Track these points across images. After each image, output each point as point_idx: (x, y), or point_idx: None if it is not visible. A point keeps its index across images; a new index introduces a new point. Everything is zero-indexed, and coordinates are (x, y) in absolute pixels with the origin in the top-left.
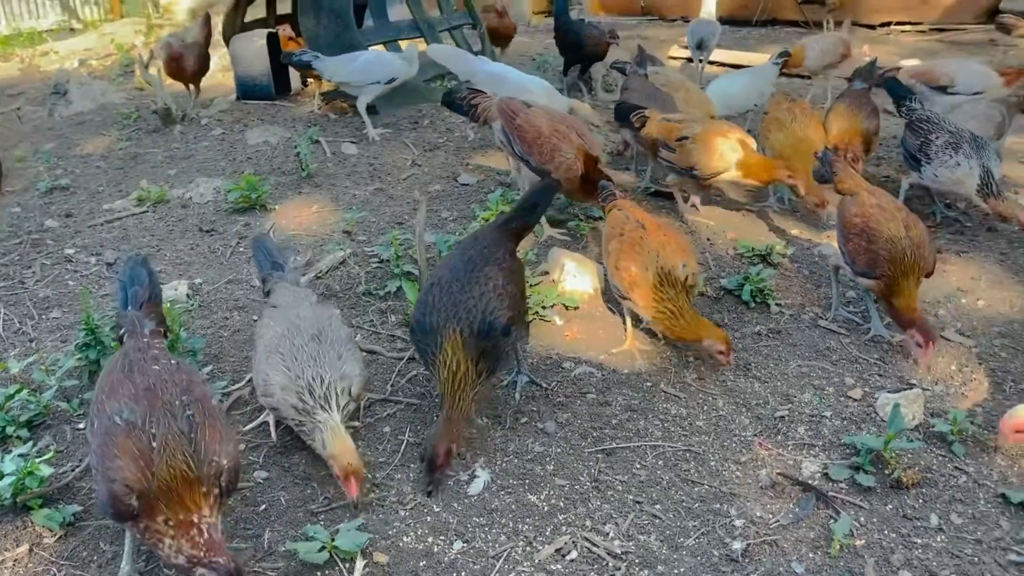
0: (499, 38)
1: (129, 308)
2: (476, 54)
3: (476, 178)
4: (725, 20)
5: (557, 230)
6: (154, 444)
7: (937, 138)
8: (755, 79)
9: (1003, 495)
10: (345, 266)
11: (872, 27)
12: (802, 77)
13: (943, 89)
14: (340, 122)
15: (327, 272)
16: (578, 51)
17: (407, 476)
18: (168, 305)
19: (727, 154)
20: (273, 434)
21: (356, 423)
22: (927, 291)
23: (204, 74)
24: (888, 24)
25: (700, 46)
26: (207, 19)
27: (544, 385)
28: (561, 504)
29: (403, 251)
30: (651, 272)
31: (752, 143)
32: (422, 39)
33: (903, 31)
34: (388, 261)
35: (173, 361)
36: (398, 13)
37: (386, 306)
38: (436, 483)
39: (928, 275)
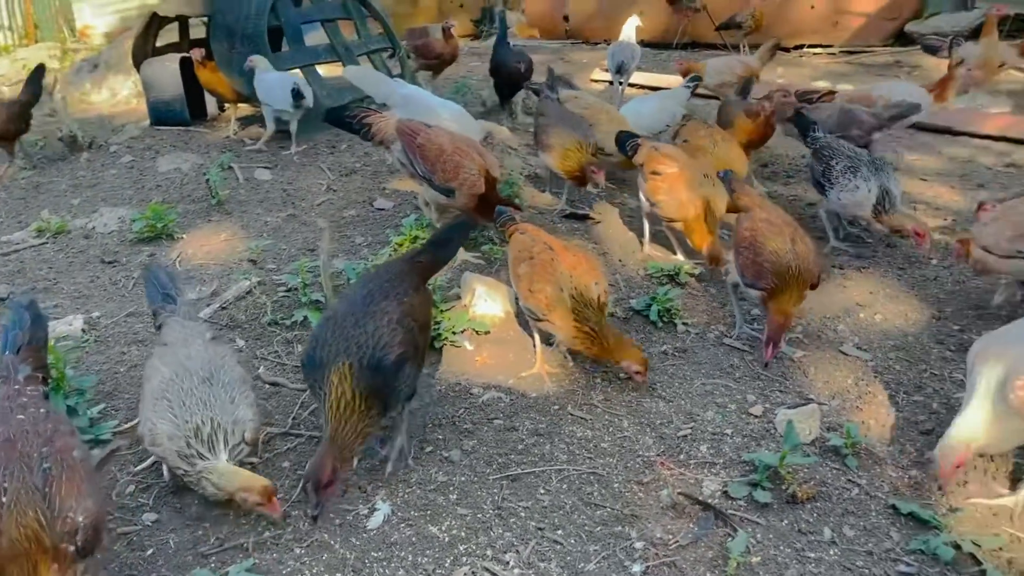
0: (444, 63)
1: (6, 352)
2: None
3: (392, 202)
4: (646, 43)
5: (472, 254)
6: (3, 499)
7: (837, 163)
8: (667, 101)
9: (893, 506)
10: (251, 295)
11: (787, 50)
12: (715, 98)
13: None
14: (255, 147)
15: (233, 302)
16: (514, 84)
17: (304, 512)
18: (54, 343)
19: (687, 208)
20: (166, 473)
21: (254, 459)
22: (828, 306)
23: (19, 135)
24: (801, 47)
25: (620, 69)
26: (37, 73)
27: (411, 463)
28: (463, 534)
29: (311, 279)
30: (566, 293)
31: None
32: (339, 63)
33: (815, 54)
34: (296, 290)
35: (43, 410)
36: (316, 38)
37: (292, 336)
38: (321, 507)
39: (813, 287)
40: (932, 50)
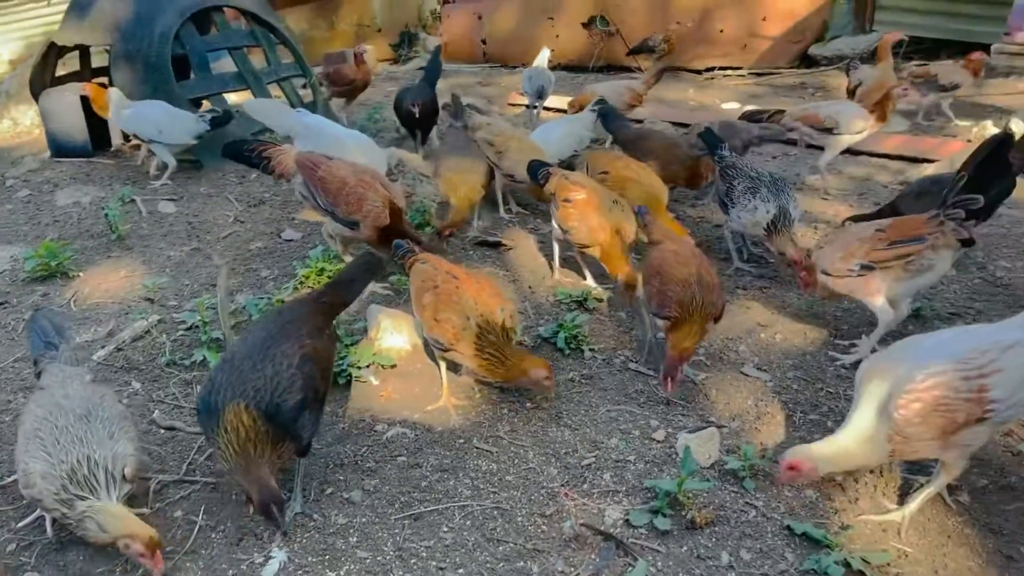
0: (356, 89)
1: None
2: (299, 107)
3: (301, 233)
4: (563, 67)
5: (380, 284)
6: None
7: (739, 183)
8: (573, 126)
9: (789, 527)
10: (150, 335)
11: (699, 72)
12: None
13: (829, 131)
14: (159, 178)
15: (129, 343)
16: (410, 123)
17: (197, 564)
18: None
19: (597, 233)
20: (49, 530)
21: (145, 510)
22: (731, 327)
23: None
24: (712, 69)
25: (540, 94)
26: None
27: (308, 508)
28: None
29: (211, 317)
30: (472, 321)
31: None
32: (248, 91)
33: (726, 76)
34: (196, 328)
35: None
36: (225, 65)
37: (191, 377)
38: (279, 521)
39: (716, 320)
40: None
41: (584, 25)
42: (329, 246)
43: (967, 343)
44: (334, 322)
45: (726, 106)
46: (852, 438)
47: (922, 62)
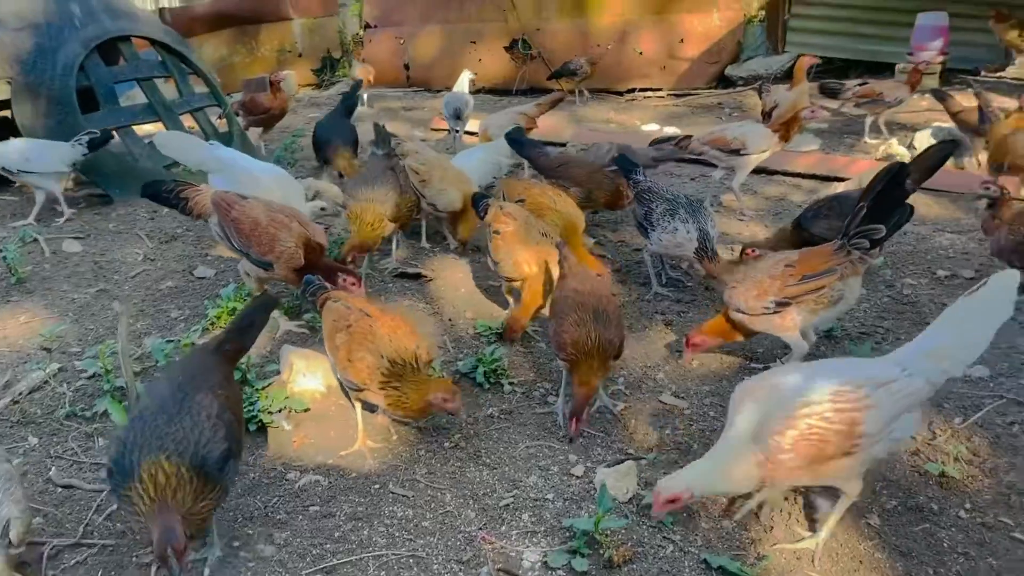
0: (273, 118)
1: None
2: (212, 139)
3: (215, 270)
4: (487, 90)
5: (294, 323)
6: None
7: (658, 207)
8: (490, 153)
9: (705, 560)
10: (48, 385)
11: (620, 94)
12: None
13: (736, 152)
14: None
15: (26, 394)
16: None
17: None
18: None
19: (520, 266)
20: None
21: None
22: (650, 355)
23: None
24: (633, 91)
25: (457, 116)
26: None
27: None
28: None
29: (114, 364)
30: (386, 360)
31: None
32: (159, 123)
33: (646, 97)
34: (98, 376)
35: None
36: (133, 96)
37: (92, 429)
38: (173, 568)
39: (615, 357)
40: (833, 93)
41: (506, 48)
42: (245, 283)
43: (845, 375)
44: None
45: (646, 127)
46: (723, 461)
47: (837, 81)
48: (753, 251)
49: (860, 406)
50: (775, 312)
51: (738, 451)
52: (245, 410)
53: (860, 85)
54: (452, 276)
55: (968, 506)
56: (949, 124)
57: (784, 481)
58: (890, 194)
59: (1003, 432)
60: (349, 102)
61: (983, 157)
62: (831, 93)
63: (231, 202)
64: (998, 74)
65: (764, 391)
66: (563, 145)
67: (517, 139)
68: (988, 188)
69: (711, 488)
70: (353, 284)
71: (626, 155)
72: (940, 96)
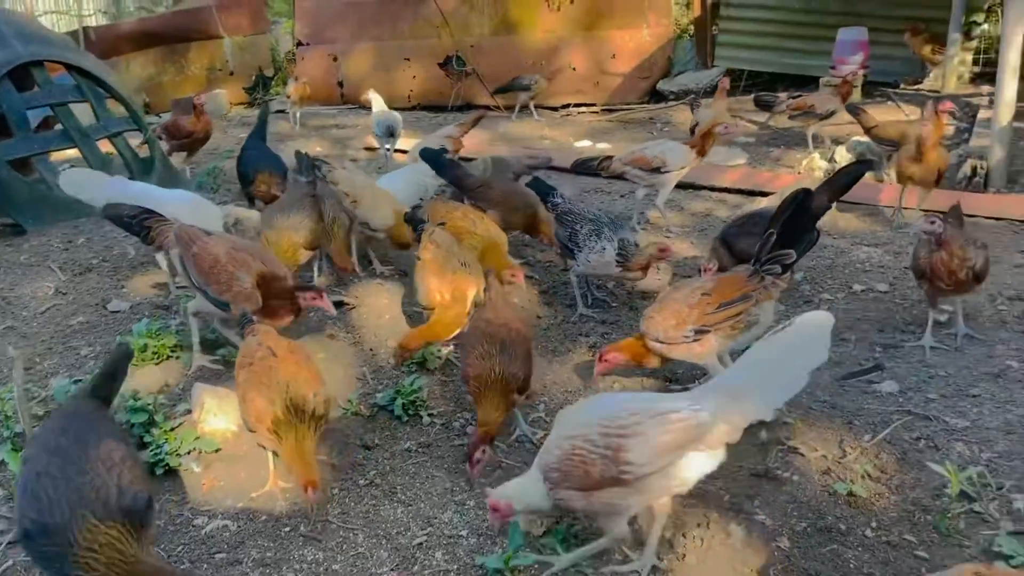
0: (197, 141)
1: None
2: (132, 163)
3: (129, 303)
4: (423, 106)
5: (208, 357)
6: None
7: (582, 227)
8: (414, 175)
9: None
10: None
11: (555, 109)
12: None
13: (657, 170)
14: None
15: None
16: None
17: None
18: None
19: (431, 295)
20: None
21: None
22: (572, 380)
23: None
24: (568, 106)
25: (391, 134)
26: None
27: None
28: None
29: (13, 411)
30: (278, 405)
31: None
32: (75, 149)
33: (580, 112)
34: None
35: None
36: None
37: None
38: None
39: (521, 392)
40: (767, 106)
41: (440, 65)
42: (187, 323)
43: (628, 404)
44: None
45: (579, 143)
46: (528, 481)
47: (771, 94)
48: (710, 267)
49: (627, 433)
50: (694, 340)
51: (536, 474)
52: (152, 454)
53: (792, 98)
54: (376, 302)
55: (874, 524)
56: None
57: (565, 504)
58: (798, 219)
59: (910, 448)
60: (260, 124)
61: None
62: (765, 106)
63: (193, 237)
64: (916, 87)
65: (562, 417)
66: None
67: (435, 160)
68: (933, 224)
69: (525, 504)
70: (314, 298)
71: (540, 179)
72: (854, 111)
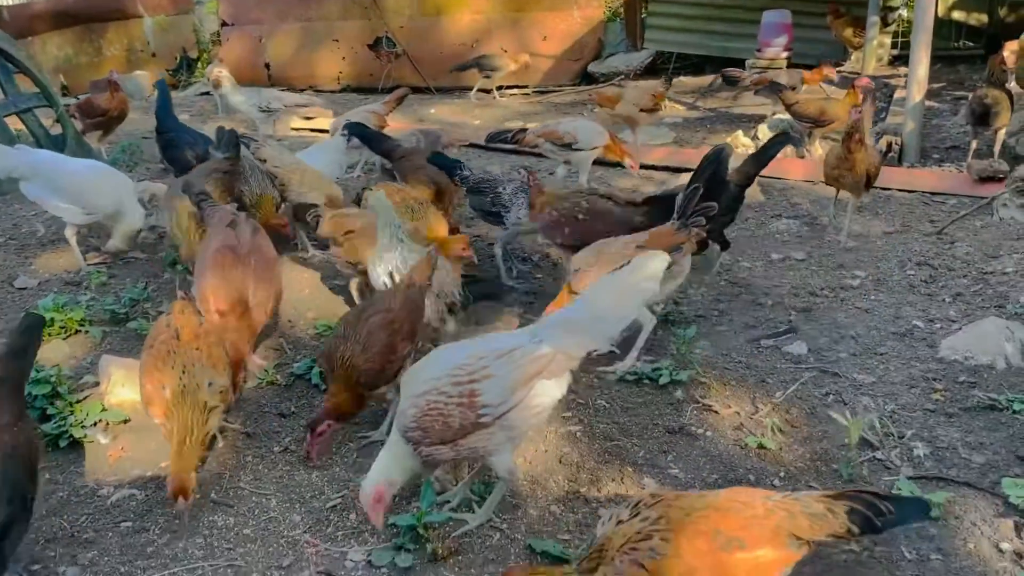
0: (112, 120)
1: None
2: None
3: (37, 280)
4: (353, 88)
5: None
6: None
7: (503, 188)
8: (323, 154)
9: (530, 546)
10: None
11: (487, 92)
12: None
13: (568, 146)
14: None
15: None
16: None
17: None
18: None
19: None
20: None
21: None
22: None
23: None
24: (501, 88)
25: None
26: None
27: None
28: None
29: None
30: (169, 389)
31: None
32: None
33: (512, 95)
34: None
35: None
36: None
37: None
38: None
39: (369, 387)
40: (732, 81)
41: (370, 47)
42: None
43: (470, 350)
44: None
45: (510, 124)
46: (389, 451)
47: (736, 70)
48: None
49: (477, 377)
50: None
51: (396, 438)
52: (55, 426)
53: (758, 74)
54: (298, 277)
55: (782, 474)
56: (787, 116)
57: (434, 459)
58: (718, 174)
59: (819, 403)
60: (162, 103)
61: (818, 146)
62: (731, 82)
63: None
64: (837, 68)
65: (411, 374)
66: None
67: (364, 134)
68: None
69: (401, 476)
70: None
71: (442, 153)
72: (775, 88)
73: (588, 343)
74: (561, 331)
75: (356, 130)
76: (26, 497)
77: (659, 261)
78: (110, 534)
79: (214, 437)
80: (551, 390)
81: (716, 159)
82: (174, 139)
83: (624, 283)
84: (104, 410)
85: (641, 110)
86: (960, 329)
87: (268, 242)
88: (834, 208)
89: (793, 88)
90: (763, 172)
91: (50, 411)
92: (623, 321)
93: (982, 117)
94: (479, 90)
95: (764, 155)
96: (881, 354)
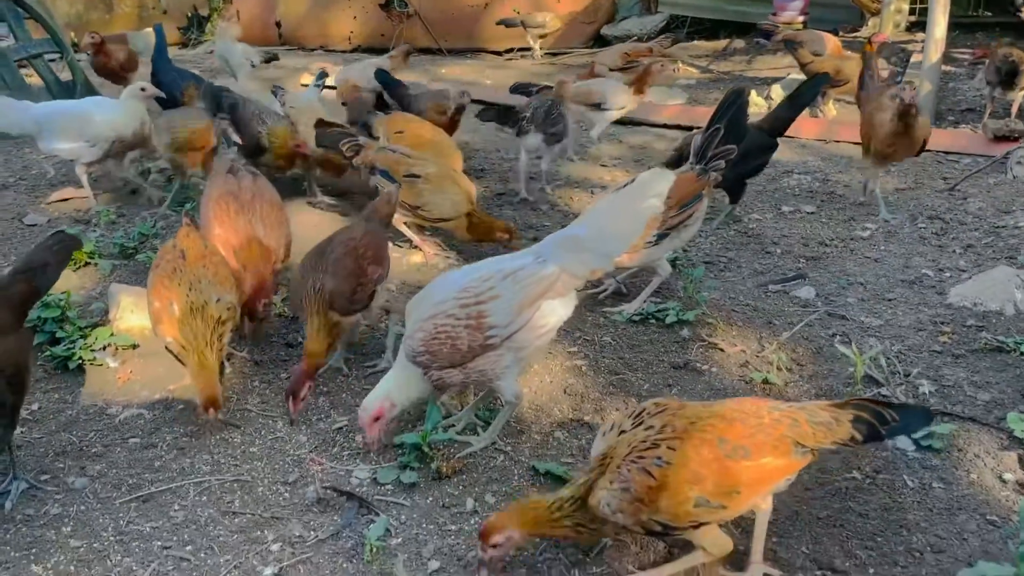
0: (121, 70)
1: None
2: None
3: (47, 217)
4: (364, 48)
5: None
6: None
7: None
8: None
9: (534, 467)
10: None
11: (499, 54)
12: None
13: (597, 106)
14: None
15: None
16: None
17: None
18: None
19: (460, 203)
20: None
21: None
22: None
23: None
24: (512, 50)
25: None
26: None
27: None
28: (72, 568)
29: None
30: (177, 306)
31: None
32: None
33: (523, 57)
34: None
35: None
36: None
37: None
38: None
39: (339, 307)
40: (766, 36)
41: (382, 6)
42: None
43: (476, 273)
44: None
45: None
46: (400, 372)
47: (773, 24)
48: None
49: (484, 298)
50: (655, 244)
51: (403, 363)
52: (65, 349)
53: (796, 30)
54: (305, 219)
55: None
56: (802, 76)
57: (444, 383)
58: (740, 116)
59: (825, 344)
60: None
61: (831, 106)
62: (765, 36)
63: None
64: (854, 34)
65: (416, 300)
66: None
67: (386, 80)
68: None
69: (405, 397)
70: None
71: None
72: (791, 47)
73: (592, 262)
74: (565, 250)
75: (381, 76)
76: (3, 404)
77: (664, 179)
78: (118, 449)
79: (222, 364)
80: (557, 309)
81: (735, 101)
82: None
83: (629, 202)
84: (112, 335)
85: (611, 70)
86: (970, 278)
87: (270, 186)
88: (875, 184)
89: (817, 54)
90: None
91: (59, 334)
92: (628, 240)
93: (1009, 75)
94: (516, 50)
95: (799, 99)
96: (889, 299)
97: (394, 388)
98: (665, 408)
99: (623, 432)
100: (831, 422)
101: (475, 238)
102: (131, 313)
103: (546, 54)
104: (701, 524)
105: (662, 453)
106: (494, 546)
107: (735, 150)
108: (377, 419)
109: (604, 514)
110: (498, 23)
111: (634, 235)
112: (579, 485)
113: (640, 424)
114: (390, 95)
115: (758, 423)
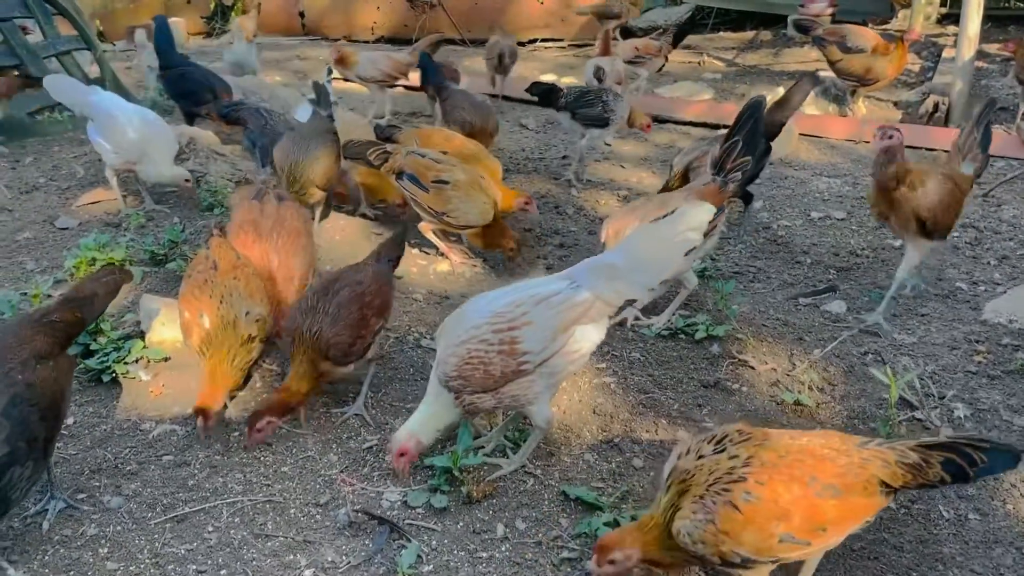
0: None
1: None
2: (91, 83)
3: (78, 220)
4: (387, 39)
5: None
6: None
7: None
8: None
9: (564, 492)
10: None
11: (522, 44)
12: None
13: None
14: None
15: None
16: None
17: None
18: None
19: (487, 211)
20: None
21: None
22: None
23: None
24: (535, 41)
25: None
26: None
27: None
28: None
29: None
30: (207, 318)
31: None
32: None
33: (547, 48)
34: None
35: None
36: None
37: None
38: None
39: (336, 363)
40: (804, 29)
41: None
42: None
43: (508, 297)
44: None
45: (543, 78)
46: (428, 404)
47: (810, 18)
48: None
49: (517, 324)
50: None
51: (436, 391)
52: (99, 362)
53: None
54: (333, 224)
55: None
56: (830, 73)
57: (476, 408)
58: (758, 128)
59: (857, 362)
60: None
61: (861, 105)
62: (803, 30)
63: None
64: (883, 27)
65: (446, 326)
66: None
67: (426, 64)
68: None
69: (433, 430)
70: None
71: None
72: (820, 43)
73: (626, 291)
74: (599, 277)
75: (424, 58)
76: (37, 437)
77: (704, 212)
78: (152, 467)
79: (248, 375)
80: (590, 335)
81: (754, 113)
82: (188, 72)
83: (667, 233)
84: (145, 348)
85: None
86: (1005, 292)
87: (295, 211)
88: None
89: (860, 50)
90: (804, 131)
91: (93, 347)
92: (664, 272)
93: None
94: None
95: (787, 102)
96: (923, 315)
97: (421, 424)
98: (750, 437)
99: (702, 456)
100: (921, 464)
101: (483, 244)
102: (163, 325)
103: (570, 44)
104: (781, 558)
105: (751, 487)
106: (611, 562)
107: (751, 161)
108: (401, 455)
109: (684, 544)
110: (590, 12)
111: (670, 267)
112: (663, 510)
113: (723, 451)
114: (429, 79)
115: (848, 462)
